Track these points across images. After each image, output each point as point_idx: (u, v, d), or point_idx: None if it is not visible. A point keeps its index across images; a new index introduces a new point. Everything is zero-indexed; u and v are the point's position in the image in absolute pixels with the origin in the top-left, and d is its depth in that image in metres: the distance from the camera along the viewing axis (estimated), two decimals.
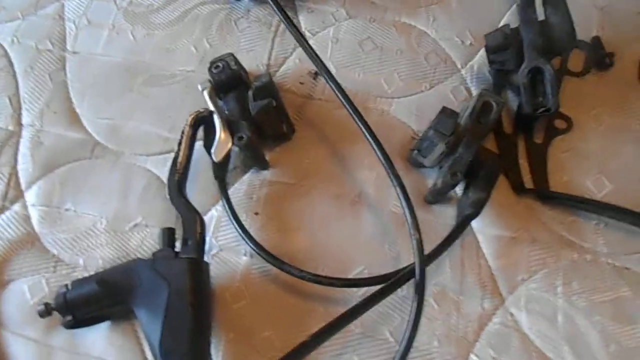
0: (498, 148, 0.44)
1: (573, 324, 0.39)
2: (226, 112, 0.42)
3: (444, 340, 0.38)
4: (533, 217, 0.42)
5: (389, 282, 0.35)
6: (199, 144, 0.42)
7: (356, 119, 0.39)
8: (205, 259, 0.40)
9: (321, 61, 0.41)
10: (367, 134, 0.39)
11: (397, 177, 0.37)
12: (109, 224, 0.43)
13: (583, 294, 0.39)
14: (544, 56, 0.42)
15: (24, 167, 0.45)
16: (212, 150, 0.40)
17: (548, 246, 0.41)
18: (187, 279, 0.35)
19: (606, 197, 0.42)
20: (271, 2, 0.44)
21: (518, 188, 0.43)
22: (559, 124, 0.45)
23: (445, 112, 0.41)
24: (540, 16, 0.43)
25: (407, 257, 0.41)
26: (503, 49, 0.43)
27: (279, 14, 0.43)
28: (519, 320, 0.39)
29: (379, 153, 0.38)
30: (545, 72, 0.41)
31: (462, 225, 0.39)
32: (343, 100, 0.40)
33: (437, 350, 0.38)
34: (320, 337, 0.32)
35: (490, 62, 0.45)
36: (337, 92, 0.40)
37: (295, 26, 0.41)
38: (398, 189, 0.36)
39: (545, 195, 0.42)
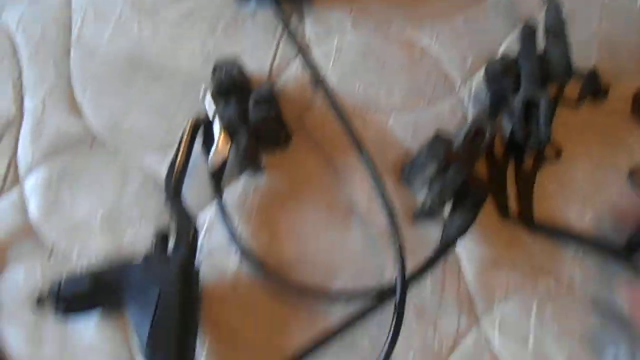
0: (488, 171, 0.45)
1: (542, 348, 0.41)
2: (226, 115, 0.43)
3: (419, 355, 0.40)
4: (515, 243, 0.44)
5: (368, 307, 0.37)
6: (197, 142, 0.43)
7: (351, 136, 0.40)
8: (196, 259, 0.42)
9: (317, 72, 0.41)
10: (359, 149, 0.40)
11: (386, 196, 0.38)
12: (105, 217, 0.44)
13: (555, 320, 0.41)
14: (540, 87, 0.43)
15: (23, 154, 0.46)
16: (210, 154, 0.41)
17: (527, 272, 0.43)
18: (177, 283, 0.36)
19: (588, 228, 0.44)
20: (275, 8, 0.44)
21: (503, 212, 0.44)
22: (549, 151, 0.46)
23: (439, 136, 0.42)
24: (541, 45, 0.44)
25: (392, 272, 0.42)
26: (501, 78, 0.44)
27: (281, 20, 0.44)
28: (492, 341, 0.41)
29: (370, 169, 0.39)
30: (540, 104, 0.42)
31: (445, 247, 0.41)
32: (336, 113, 0.40)
33: None
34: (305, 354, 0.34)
35: (488, 88, 0.46)
36: (332, 104, 0.41)
37: (294, 36, 0.42)
38: (385, 208, 0.38)
39: (527, 223, 0.43)
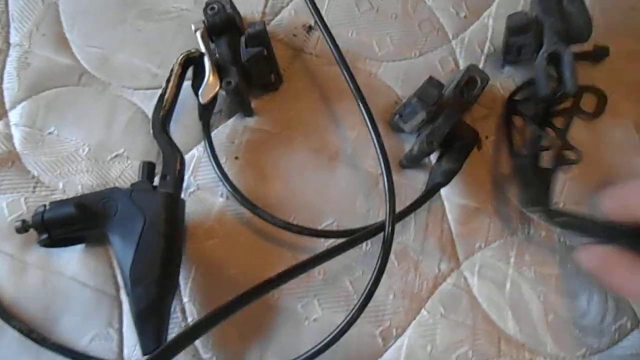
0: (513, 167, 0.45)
1: (519, 292, 0.42)
2: (217, 55, 0.43)
3: (399, 295, 0.41)
4: (499, 193, 0.44)
5: (356, 235, 0.37)
6: (187, 84, 0.43)
7: (347, 77, 0.40)
8: (183, 196, 0.42)
9: (320, 15, 0.41)
10: (355, 93, 0.40)
11: (378, 136, 0.38)
12: (91, 151, 0.43)
13: (532, 266, 0.42)
14: (564, 41, 0.42)
15: (9, 86, 0.45)
16: (200, 92, 0.41)
17: (508, 220, 0.44)
18: (162, 212, 0.36)
19: None
20: None
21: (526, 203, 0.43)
22: (570, 155, 0.44)
23: (431, 82, 0.42)
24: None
25: (376, 216, 0.43)
26: (524, 32, 0.43)
27: None
28: (471, 284, 0.42)
29: (364, 112, 0.39)
30: (564, 56, 0.42)
31: (431, 191, 0.41)
32: (337, 57, 0.40)
33: (391, 302, 0.41)
34: (283, 278, 0.34)
35: (507, 47, 0.45)
36: (332, 48, 0.41)
37: None
38: (378, 149, 0.38)
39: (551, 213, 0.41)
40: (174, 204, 0.37)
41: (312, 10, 0.41)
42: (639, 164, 0.45)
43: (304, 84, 0.46)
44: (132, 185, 0.38)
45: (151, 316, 0.34)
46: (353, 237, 0.37)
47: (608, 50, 0.48)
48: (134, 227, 0.36)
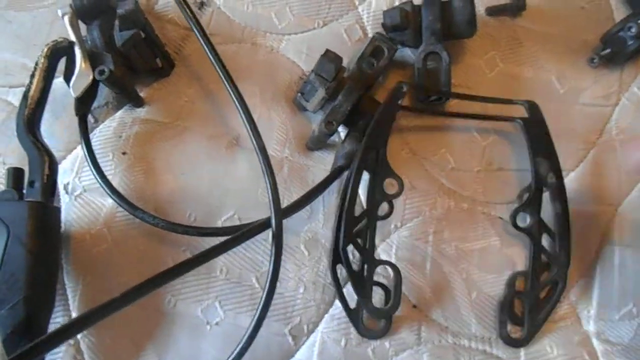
0: None
1: (440, 272, 0.39)
2: (89, 42, 0.38)
3: (310, 287, 0.38)
4: (415, 164, 0.41)
5: (240, 233, 0.34)
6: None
7: (211, 57, 0.36)
8: (68, 200, 0.39)
9: None
10: (222, 76, 0.36)
11: (257, 133, 0.35)
12: None
13: (453, 242, 0.40)
14: (441, 41, 0.40)
15: None
16: (71, 84, 0.37)
17: (426, 193, 0.41)
18: (29, 224, 0.32)
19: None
20: None
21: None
22: None
23: (328, 56, 0.38)
24: None
25: (282, 203, 0.39)
26: (401, 29, 0.40)
27: None
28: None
29: (237, 102, 0.35)
30: (441, 57, 0.40)
31: (332, 176, 0.38)
32: (199, 37, 0.36)
33: (302, 296, 0.38)
34: (161, 279, 0.31)
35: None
36: (194, 27, 0.36)
37: None
38: (255, 145, 0.34)
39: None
40: (42, 213, 0.34)
41: None
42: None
43: (197, 67, 0.42)
44: None
45: (20, 340, 0.31)
46: (236, 235, 0.34)
47: (524, 3, 0.44)
48: None
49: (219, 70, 0.36)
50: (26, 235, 0.32)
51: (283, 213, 0.35)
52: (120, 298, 0.29)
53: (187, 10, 0.38)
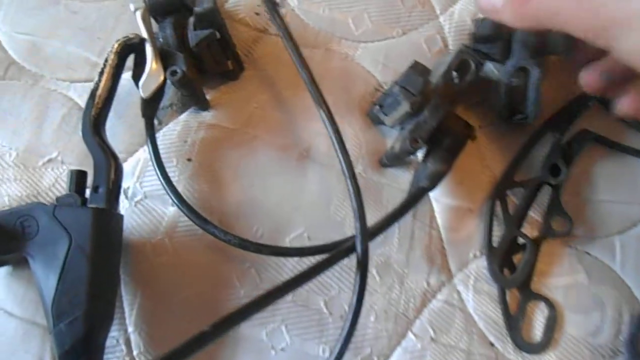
0: None
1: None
2: (161, 40, 0.36)
3: (382, 316, 0.35)
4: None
5: (325, 259, 0.31)
6: (129, 75, 0.37)
7: (297, 63, 0.33)
8: (127, 205, 0.36)
9: None
10: (315, 90, 0.33)
11: (341, 143, 0.32)
12: (20, 156, 0.37)
13: (535, 275, 0.37)
14: (534, 56, 0.36)
15: None
16: (140, 84, 0.35)
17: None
18: (91, 232, 0.30)
19: None
20: None
21: None
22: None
23: (416, 68, 0.35)
24: None
25: (353, 223, 0.37)
26: (492, 40, 0.37)
27: None
28: (465, 300, 0.36)
29: (324, 114, 0.32)
30: (531, 73, 0.36)
31: (414, 198, 0.35)
32: (285, 41, 0.33)
33: (373, 325, 0.35)
34: (246, 313, 0.29)
35: (474, 50, 0.38)
36: (280, 29, 0.33)
37: None
38: (343, 162, 0.31)
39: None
40: (105, 221, 0.31)
41: None
42: None
43: (268, 71, 0.40)
44: (57, 199, 0.32)
45: (77, 359, 0.29)
46: (320, 262, 0.31)
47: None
48: (57, 251, 0.30)
49: (304, 76, 0.33)
50: (89, 245, 0.30)
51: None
52: (208, 332, 0.27)
53: (274, 13, 0.35)
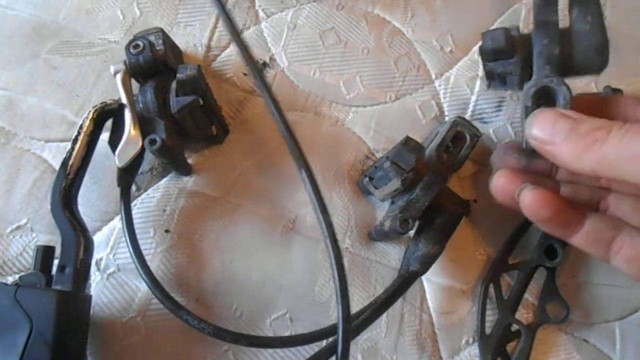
0: None
1: None
2: (141, 105, 0.34)
3: None
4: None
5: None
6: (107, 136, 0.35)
7: (281, 128, 0.30)
8: (100, 279, 0.34)
9: (253, 61, 0.30)
10: (300, 160, 0.30)
11: (327, 218, 0.29)
12: None
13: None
14: (559, 73, 0.30)
15: None
16: (117, 152, 0.33)
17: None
18: (54, 318, 0.28)
19: None
20: None
21: None
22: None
23: (408, 144, 0.33)
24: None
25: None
26: (505, 56, 0.31)
27: None
28: None
29: (308, 183, 0.30)
30: (558, 94, 0.29)
31: (404, 284, 0.33)
32: (269, 104, 0.30)
33: None
34: None
35: (487, 74, 0.33)
36: (263, 91, 0.30)
37: (229, 16, 0.31)
38: (329, 244, 0.29)
39: None
40: (71, 305, 0.29)
41: (248, 62, 0.30)
42: None
43: (255, 135, 0.38)
44: (20, 278, 0.29)
45: None
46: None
47: (622, 93, 0.40)
48: (16, 338, 0.27)
49: (289, 143, 0.30)
50: (52, 332, 0.28)
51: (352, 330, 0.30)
52: None
53: (257, 74, 0.32)
